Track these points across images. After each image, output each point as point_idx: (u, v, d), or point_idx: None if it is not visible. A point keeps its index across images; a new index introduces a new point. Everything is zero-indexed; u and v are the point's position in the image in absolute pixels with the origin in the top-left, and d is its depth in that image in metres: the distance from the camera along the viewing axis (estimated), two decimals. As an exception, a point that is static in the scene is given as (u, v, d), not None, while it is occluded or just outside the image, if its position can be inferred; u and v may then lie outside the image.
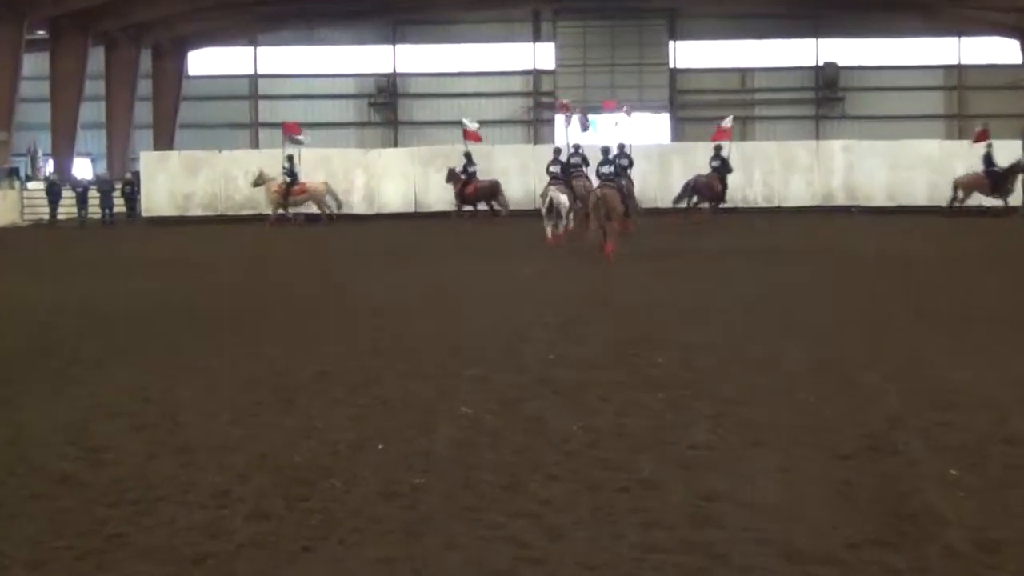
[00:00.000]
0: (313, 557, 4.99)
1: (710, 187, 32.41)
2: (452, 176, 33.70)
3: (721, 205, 32.82)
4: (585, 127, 27.70)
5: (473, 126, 35.73)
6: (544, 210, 23.44)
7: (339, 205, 34.57)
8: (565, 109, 29.64)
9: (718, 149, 32.67)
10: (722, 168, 32.33)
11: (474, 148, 34.98)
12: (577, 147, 27.64)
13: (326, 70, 54.27)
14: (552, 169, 25.36)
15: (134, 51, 47.70)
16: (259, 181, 33.88)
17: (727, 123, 34.55)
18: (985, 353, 9.82)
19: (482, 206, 34.08)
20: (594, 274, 17.57)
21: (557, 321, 12.15)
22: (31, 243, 29.54)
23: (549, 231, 23.20)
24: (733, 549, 4.99)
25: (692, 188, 32.65)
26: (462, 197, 33.71)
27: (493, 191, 33.91)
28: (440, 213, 34.85)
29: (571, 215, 23.71)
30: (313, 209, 34.62)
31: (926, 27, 51.21)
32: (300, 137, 35.56)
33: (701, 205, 32.67)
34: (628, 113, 30.53)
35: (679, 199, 32.83)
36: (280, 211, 33.82)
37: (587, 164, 26.76)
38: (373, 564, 4.89)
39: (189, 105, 51.95)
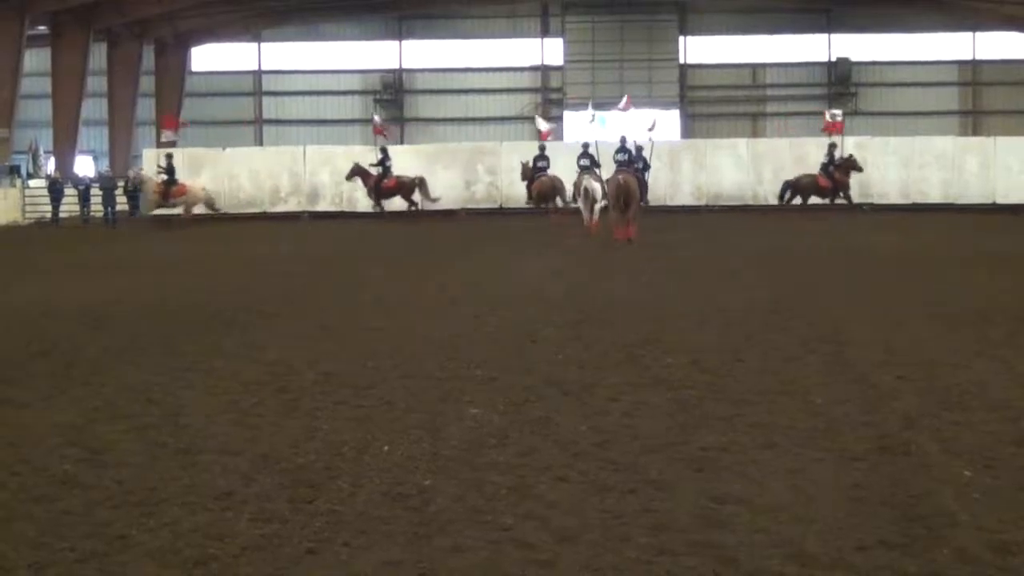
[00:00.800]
0: (318, 559, 5.00)
1: (815, 186, 32.59)
2: (358, 172, 33.72)
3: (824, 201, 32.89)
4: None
5: (379, 120, 36.01)
6: (581, 200, 25.50)
7: (215, 208, 34.40)
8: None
9: (832, 147, 32.80)
10: (831, 165, 32.41)
11: (481, 147, 35.00)
12: (586, 146, 28.59)
13: (331, 66, 54.33)
14: (582, 163, 27.52)
15: (136, 47, 47.75)
16: (135, 183, 33.94)
17: (838, 116, 34.53)
18: (999, 354, 9.81)
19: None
20: (602, 273, 17.58)
21: (565, 321, 12.16)
22: (32, 242, 29.59)
23: (587, 218, 25.26)
24: (743, 552, 5.00)
25: (793, 186, 32.80)
26: (378, 192, 33.78)
27: (412, 187, 33.98)
28: (446, 211, 34.91)
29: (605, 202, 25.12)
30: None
31: (940, 22, 51.14)
32: (171, 134, 35.61)
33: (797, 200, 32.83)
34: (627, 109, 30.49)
35: (781, 197, 33.00)
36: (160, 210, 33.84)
37: (597, 165, 27.56)
38: (379, 566, 4.90)
39: (192, 102, 52.03)
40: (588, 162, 27.51)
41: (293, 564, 4.95)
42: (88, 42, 43.39)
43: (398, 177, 33.94)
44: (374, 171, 33.85)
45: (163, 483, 6.17)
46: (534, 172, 32.53)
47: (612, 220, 23.65)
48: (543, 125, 35.49)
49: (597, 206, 25.20)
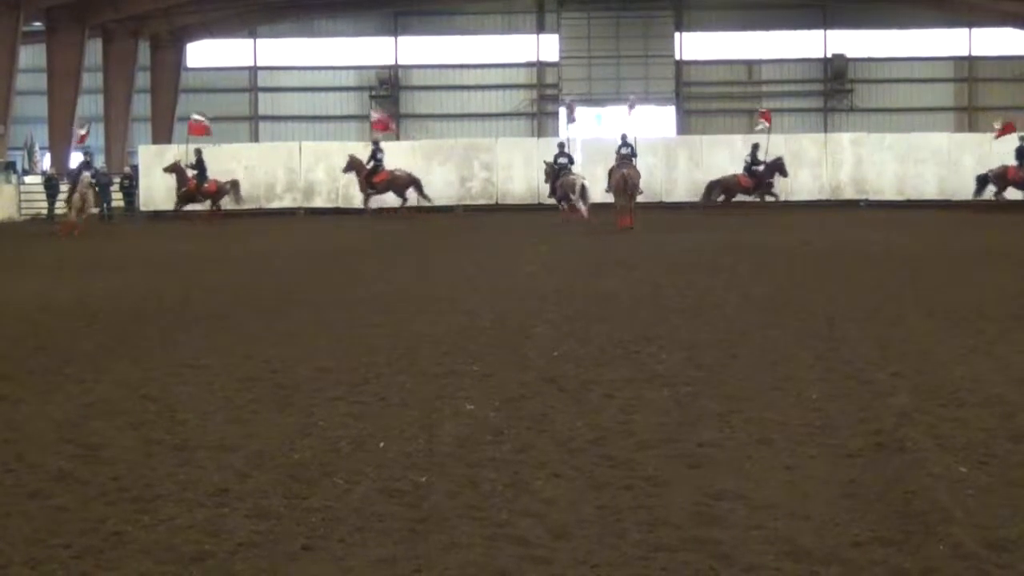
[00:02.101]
0: (314, 556, 5.00)
1: (1005, 176, 32.71)
2: (175, 170, 33.47)
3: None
4: (572, 119, 33.23)
5: (199, 119, 35.75)
6: (576, 192, 28.91)
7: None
8: (571, 109, 33.20)
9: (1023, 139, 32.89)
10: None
11: (477, 143, 35.03)
12: (562, 145, 31.80)
13: (326, 62, 54.21)
14: (561, 160, 30.90)
15: (132, 43, 47.65)
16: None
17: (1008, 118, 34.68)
18: (993, 351, 9.82)
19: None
20: (597, 269, 17.58)
21: (561, 317, 12.17)
22: (28, 238, 29.54)
23: (582, 210, 28.51)
24: (739, 548, 5.00)
25: (992, 178, 32.90)
26: (189, 197, 33.44)
27: (223, 191, 33.88)
28: (444, 208, 34.92)
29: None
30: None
31: (936, 18, 51.12)
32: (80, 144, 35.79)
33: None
34: (631, 107, 33.36)
35: (979, 192, 33.18)
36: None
37: (572, 162, 31.14)
38: (375, 563, 4.90)
39: (188, 98, 51.92)
40: (566, 160, 31.01)
41: (289, 560, 4.95)
42: (83, 38, 43.28)
43: (216, 181, 33.91)
44: (190, 173, 33.62)
45: (159, 479, 6.17)
46: (374, 165, 33.04)
47: (616, 210, 27.30)
48: (375, 116, 35.82)
49: (590, 200, 28.76)
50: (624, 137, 29.52)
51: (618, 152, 28.84)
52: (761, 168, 33.44)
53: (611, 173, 28.48)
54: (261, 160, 37.20)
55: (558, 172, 30.97)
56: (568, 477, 6.15)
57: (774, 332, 10.96)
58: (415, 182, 33.82)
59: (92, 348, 10.63)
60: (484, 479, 6.10)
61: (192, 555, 5.01)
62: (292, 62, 54.41)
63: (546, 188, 32.54)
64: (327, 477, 6.17)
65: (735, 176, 33.92)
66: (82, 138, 35.84)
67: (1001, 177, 33.02)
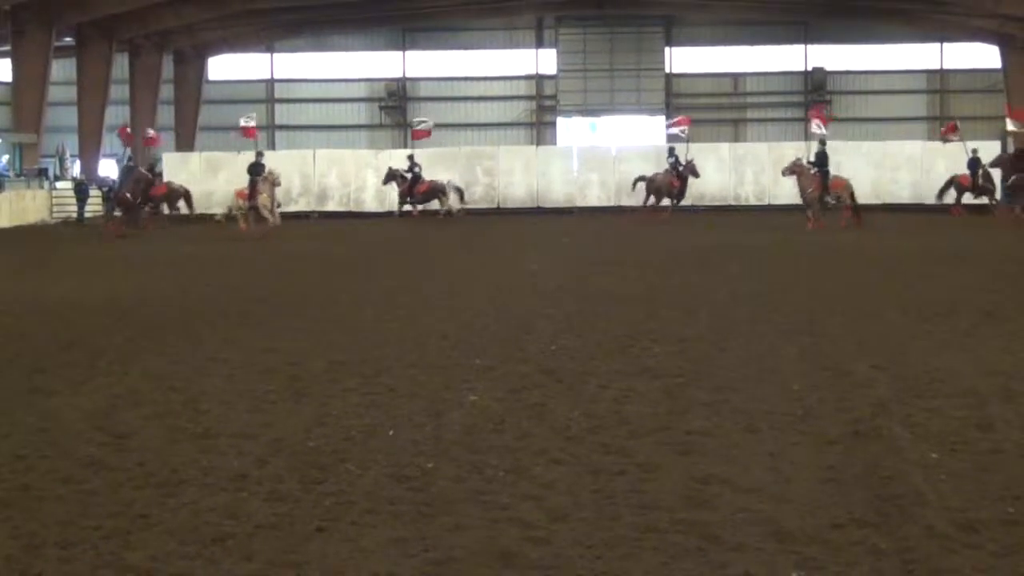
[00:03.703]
0: (327, 537, 5.01)
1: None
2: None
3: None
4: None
5: (424, 124, 35.94)
6: (448, 192, 33.18)
7: None
8: (425, 134, 35.87)
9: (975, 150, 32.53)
10: None
11: (480, 151, 35.09)
12: (412, 157, 33.91)
13: (339, 75, 54.18)
14: (416, 170, 33.43)
15: (157, 57, 47.64)
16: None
17: None
18: (965, 344, 9.83)
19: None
20: (592, 268, 17.57)
21: (560, 313, 12.16)
22: (60, 240, 29.52)
23: (455, 206, 33.28)
24: (726, 529, 5.00)
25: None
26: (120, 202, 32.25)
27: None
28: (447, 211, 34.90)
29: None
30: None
31: (910, 34, 51.06)
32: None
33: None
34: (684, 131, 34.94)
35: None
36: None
37: (422, 171, 33.55)
38: (385, 544, 4.90)
39: (209, 108, 51.90)
40: (419, 169, 33.45)
41: (304, 541, 4.95)
42: (111, 53, 43.27)
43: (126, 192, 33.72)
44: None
45: (183, 465, 6.17)
46: (153, 177, 32.98)
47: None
48: (151, 132, 35.67)
49: (463, 202, 33.60)
50: (671, 150, 32.89)
51: (667, 161, 32.46)
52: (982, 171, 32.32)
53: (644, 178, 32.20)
54: (278, 167, 37.16)
55: (413, 181, 33.19)
56: (566, 463, 6.15)
57: (760, 327, 10.96)
58: (186, 195, 33.81)
59: (121, 343, 10.62)
60: (487, 465, 6.10)
61: (213, 536, 5.01)
62: (307, 75, 54.37)
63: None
64: (340, 463, 6.17)
65: (958, 176, 32.91)
66: (251, 131, 34.53)
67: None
